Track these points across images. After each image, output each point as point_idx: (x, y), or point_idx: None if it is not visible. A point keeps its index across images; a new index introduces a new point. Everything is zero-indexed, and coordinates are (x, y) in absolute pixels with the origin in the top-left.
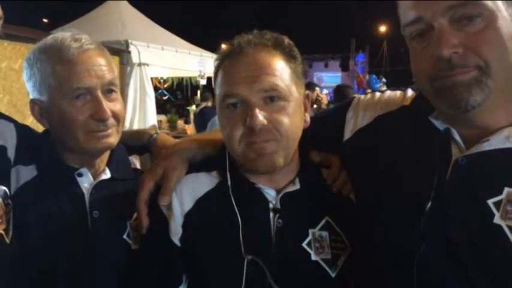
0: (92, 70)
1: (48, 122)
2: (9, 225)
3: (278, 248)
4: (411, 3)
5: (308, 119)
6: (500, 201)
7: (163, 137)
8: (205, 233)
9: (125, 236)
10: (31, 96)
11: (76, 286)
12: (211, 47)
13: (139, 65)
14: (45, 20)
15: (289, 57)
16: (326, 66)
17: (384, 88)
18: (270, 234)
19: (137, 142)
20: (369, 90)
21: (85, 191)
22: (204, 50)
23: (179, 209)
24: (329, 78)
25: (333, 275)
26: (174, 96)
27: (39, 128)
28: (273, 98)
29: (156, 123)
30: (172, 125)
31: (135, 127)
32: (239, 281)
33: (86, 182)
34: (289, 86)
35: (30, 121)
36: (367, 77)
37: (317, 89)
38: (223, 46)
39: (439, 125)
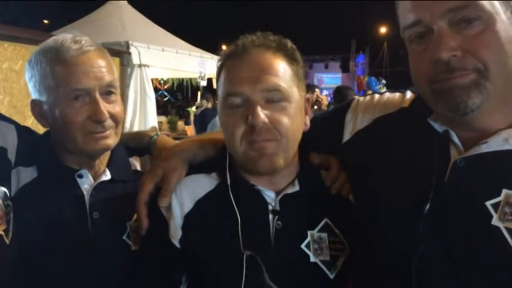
0: (91, 72)
1: (48, 123)
2: (9, 226)
3: (277, 249)
4: (410, 5)
5: (308, 122)
6: (498, 203)
7: (163, 139)
8: (205, 234)
9: (124, 237)
10: (32, 97)
11: (76, 286)
12: (212, 48)
13: (140, 66)
14: (45, 21)
15: (291, 60)
16: (326, 67)
17: (384, 90)
18: (269, 236)
19: (137, 144)
20: (370, 92)
21: (85, 192)
22: (204, 51)
23: (179, 210)
24: (329, 79)
25: (332, 277)
26: (174, 97)
27: (40, 129)
28: (275, 98)
29: (156, 124)
30: (172, 126)
31: (136, 128)
32: (239, 277)
33: (86, 183)
34: (291, 87)
35: (31, 122)
36: (366, 78)
37: (317, 90)
38: (224, 47)
39: (438, 127)
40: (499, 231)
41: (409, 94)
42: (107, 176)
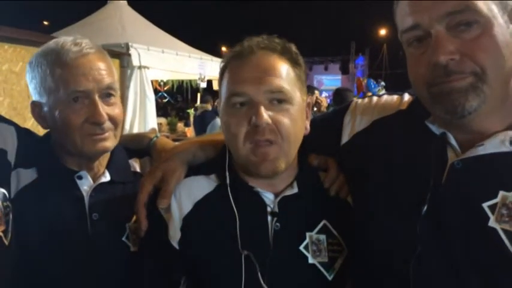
0: (90, 74)
1: (47, 125)
2: (8, 227)
3: (275, 251)
4: (408, 9)
5: (308, 126)
6: (495, 205)
7: (163, 141)
8: (204, 235)
9: (124, 238)
10: (33, 98)
11: (75, 287)
12: (212, 50)
13: (140, 67)
14: (45, 23)
15: (295, 64)
16: (326, 69)
17: (383, 92)
18: (268, 237)
19: (137, 145)
20: (369, 94)
21: (85, 194)
22: (204, 53)
23: (178, 212)
24: (329, 81)
25: (330, 278)
26: (174, 99)
27: (40, 131)
28: (279, 100)
29: (156, 126)
30: (172, 128)
31: (135, 130)
32: (239, 278)
33: (85, 185)
34: (293, 90)
35: (31, 124)
36: (365, 80)
37: (316, 92)
38: (224, 49)
39: (435, 129)
40: (495, 232)
41: (406, 96)
42: (107, 177)
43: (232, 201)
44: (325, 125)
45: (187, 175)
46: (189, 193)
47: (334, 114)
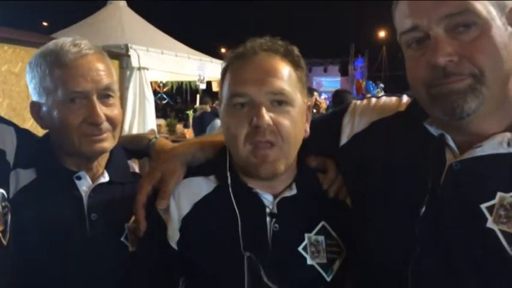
0: (88, 75)
1: (46, 125)
2: (6, 227)
3: (274, 252)
4: (407, 11)
5: (308, 129)
6: (493, 206)
7: (162, 141)
8: (204, 236)
9: (122, 239)
10: (32, 99)
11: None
12: (211, 52)
13: (139, 69)
14: (45, 24)
15: (297, 66)
16: (325, 70)
17: (382, 94)
18: (267, 239)
19: (136, 146)
20: (368, 96)
21: (83, 194)
22: (203, 54)
23: (177, 212)
24: (328, 83)
25: (328, 279)
26: (173, 100)
27: (39, 131)
28: (280, 101)
29: (155, 127)
30: (171, 129)
31: (134, 131)
32: (241, 278)
33: (84, 185)
34: (295, 92)
35: (30, 125)
36: (363, 83)
37: (315, 93)
38: (223, 50)
39: (434, 130)
40: (493, 233)
41: (405, 98)
42: (105, 178)
43: (234, 202)
44: (324, 127)
45: (186, 176)
46: (188, 194)
47: (333, 115)
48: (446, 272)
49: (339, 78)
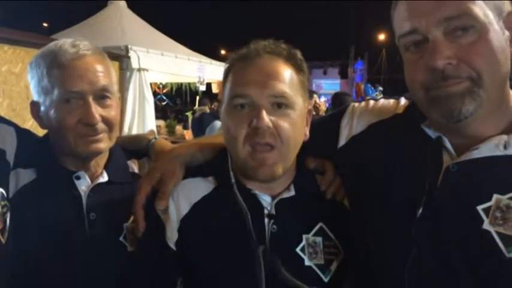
0: (85, 76)
1: (45, 125)
2: (5, 226)
3: (272, 252)
4: (406, 14)
5: (308, 133)
6: (489, 208)
7: (161, 142)
8: (204, 237)
9: (121, 238)
10: (33, 99)
11: (72, 287)
12: (211, 53)
13: (139, 70)
14: (45, 24)
15: (299, 70)
16: (325, 73)
17: (380, 96)
18: (265, 240)
19: (135, 146)
20: (368, 98)
21: (82, 194)
22: (203, 56)
23: (175, 213)
24: (328, 85)
25: (326, 280)
26: (173, 101)
27: (39, 131)
28: (281, 104)
29: (154, 128)
30: (170, 131)
31: (134, 132)
32: (252, 274)
33: (83, 185)
34: (296, 96)
35: (30, 125)
36: (362, 85)
37: (315, 96)
38: (223, 52)
39: (431, 133)
40: (490, 235)
41: (403, 101)
42: (104, 178)
43: (240, 198)
44: (322, 128)
45: (185, 177)
46: (186, 195)
47: (331, 117)
48: (443, 274)
49: (338, 81)
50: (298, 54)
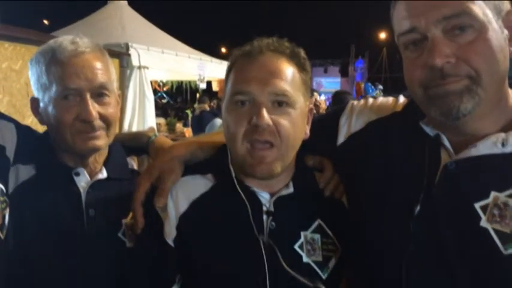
0: (82, 73)
1: (44, 121)
2: (4, 221)
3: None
4: (405, 13)
5: (308, 131)
6: (487, 205)
7: (161, 139)
8: (203, 234)
9: (120, 234)
10: (33, 95)
11: (71, 282)
12: (211, 51)
13: (139, 67)
14: (45, 22)
15: (302, 69)
16: (325, 71)
17: (381, 95)
18: (263, 236)
19: (135, 143)
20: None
21: (82, 190)
22: (203, 54)
23: (174, 210)
24: (328, 83)
25: (324, 277)
26: (173, 99)
27: (39, 128)
28: (281, 102)
29: (155, 126)
30: (171, 128)
31: (134, 129)
32: (259, 263)
33: (82, 181)
34: (298, 94)
35: (30, 122)
36: (362, 84)
37: (315, 94)
38: (223, 50)
39: (430, 130)
40: (487, 232)
41: (402, 99)
42: (104, 174)
43: (241, 192)
44: (322, 126)
45: (184, 174)
46: (185, 192)
47: (330, 115)
48: (441, 271)
49: (339, 79)
50: (302, 52)
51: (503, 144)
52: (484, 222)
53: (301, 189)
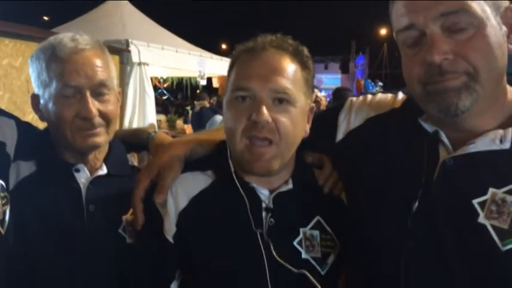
0: (82, 70)
1: (44, 118)
2: (4, 217)
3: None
4: (404, 10)
5: (308, 130)
6: (485, 201)
7: (161, 136)
8: (202, 229)
9: (120, 230)
10: (34, 92)
11: (71, 278)
12: (211, 48)
13: (139, 64)
14: (45, 18)
15: (304, 67)
16: (326, 68)
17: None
18: (262, 233)
19: (135, 140)
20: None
21: (82, 186)
22: (203, 50)
23: (174, 207)
24: (329, 80)
25: (323, 273)
26: (173, 96)
27: (39, 125)
28: (282, 100)
29: (155, 122)
30: (171, 125)
31: (135, 126)
32: (259, 259)
33: (83, 178)
34: (299, 93)
35: (30, 118)
36: (363, 81)
37: (316, 90)
38: (224, 46)
39: (428, 127)
40: (485, 228)
41: (400, 95)
42: (104, 170)
43: (240, 187)
44: (321, 123)
45: (184, 171)
46: (185, 189)
47: (329, 112)
48: (439, 267)
49: (339, 76)
50: (305, 51)
51: (501, 141)
52: (482, 219)
53: (301, 185)
